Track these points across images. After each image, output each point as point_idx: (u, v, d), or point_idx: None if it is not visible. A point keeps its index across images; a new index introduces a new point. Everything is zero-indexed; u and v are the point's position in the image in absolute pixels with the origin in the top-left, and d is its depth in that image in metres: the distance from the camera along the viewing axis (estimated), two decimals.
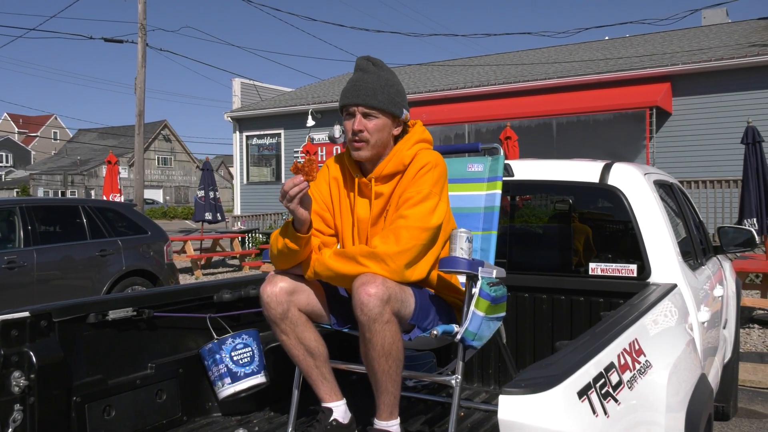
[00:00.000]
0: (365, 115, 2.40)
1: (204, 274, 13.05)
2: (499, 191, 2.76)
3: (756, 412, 4.94)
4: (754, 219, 8.02)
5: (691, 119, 13.95)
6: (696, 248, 3.68)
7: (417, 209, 2.29)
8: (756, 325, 7.52)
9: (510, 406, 1.41)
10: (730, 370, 4.29)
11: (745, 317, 7.61)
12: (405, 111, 2.48)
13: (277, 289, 2.35)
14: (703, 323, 3.03)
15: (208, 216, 14.32)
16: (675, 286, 2.90)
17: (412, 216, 2.28)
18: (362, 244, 2.43)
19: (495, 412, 2.80)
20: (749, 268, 7.70)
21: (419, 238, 2.26)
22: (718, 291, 3.75)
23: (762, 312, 7.91)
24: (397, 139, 2.50)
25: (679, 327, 2.64)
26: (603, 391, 1.65)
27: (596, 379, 1.64)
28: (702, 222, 4.38)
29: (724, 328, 3.96)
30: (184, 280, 11.68)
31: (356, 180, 2.49)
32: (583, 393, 1.55)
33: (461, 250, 2.30)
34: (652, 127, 13.70)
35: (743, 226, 4.27)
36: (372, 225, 2.45)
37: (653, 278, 2.99)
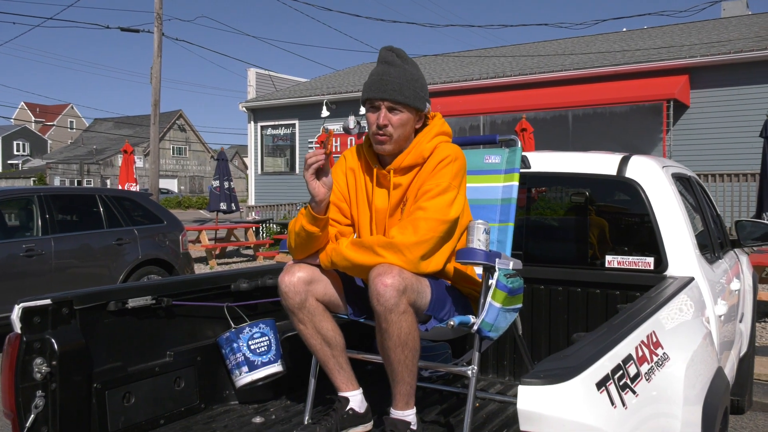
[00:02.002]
0: (390, 110, 2.39)
1: (218, 264, 13.13)
2: (516, 183, 2.75)
3: None
4: None
5: (709, 112, 13.80)
6: (713, 242, 3.66)
7: (436, 201, 2.30)
8: None
9: (529, 397, 1.42)
10: (745, 364, 4.27)
11: (762, 311, 7.56)
12: (428, 104, 2.48)
13: (295, 278, 2.37)
14: (720, 317, 3.02)
15: (223, 206, 14.44)
16: (692, 279, 2.89)
17: (430, 208, 2.29)
18: (379, 235, 2.44)
19: (510, 403, 2.84)
20: (766, 263, 7.63)
21: (437, 230, 2.27)
22: (735, 285, 3.72)
23: None
24: (417, 130, 2.50)
25: (696, 320, 2.63)
26: (621, 383, 1.65)
27: (614, 371, 1.64)
28: (719, 215, 4.34)
29: (740, 321, 3.94)
30: (199, 269, 11.76)
31: (375, 171, 2.50)
32: (601, 384, 1.55)
33: (478, 241, 2.31)
34: (669, 120, 13.56)
35: (761, 220, 4.24)
36: (390, 216, 2.46)
37: (670, 271, 2.98)
